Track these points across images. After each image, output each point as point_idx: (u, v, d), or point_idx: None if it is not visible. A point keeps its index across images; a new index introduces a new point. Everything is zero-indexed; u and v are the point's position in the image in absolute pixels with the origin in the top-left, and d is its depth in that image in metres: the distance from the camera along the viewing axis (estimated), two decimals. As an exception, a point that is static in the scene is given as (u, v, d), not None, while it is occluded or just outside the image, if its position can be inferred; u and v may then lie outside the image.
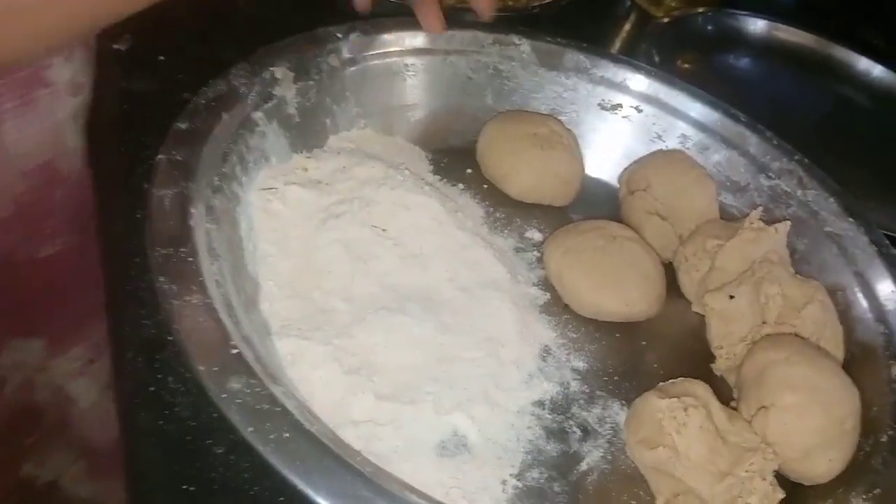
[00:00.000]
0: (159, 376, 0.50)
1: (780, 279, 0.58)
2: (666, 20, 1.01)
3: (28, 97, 0.57)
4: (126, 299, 0.56)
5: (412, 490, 0.42)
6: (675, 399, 0.49)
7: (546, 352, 0.58)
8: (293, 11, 0.80)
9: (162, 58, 0.76)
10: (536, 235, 0.68)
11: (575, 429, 0.53)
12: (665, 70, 0.77)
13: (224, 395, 0.40)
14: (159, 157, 0.53)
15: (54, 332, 0.67)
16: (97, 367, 0.69)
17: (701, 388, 0.51)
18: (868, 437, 0.51)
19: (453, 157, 0.73)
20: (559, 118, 0.74)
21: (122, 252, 0.59)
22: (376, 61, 0.71)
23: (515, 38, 0.76)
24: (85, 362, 0.69)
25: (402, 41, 0.72)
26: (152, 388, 0.50)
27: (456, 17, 0.74)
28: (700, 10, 1.03)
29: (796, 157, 0.69)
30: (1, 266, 0.61)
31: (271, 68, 0.63)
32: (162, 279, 0.45)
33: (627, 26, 1.09)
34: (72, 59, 0.60)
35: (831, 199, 0.66)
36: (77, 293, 0.66)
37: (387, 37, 0.71)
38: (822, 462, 0.49)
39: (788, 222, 0.63)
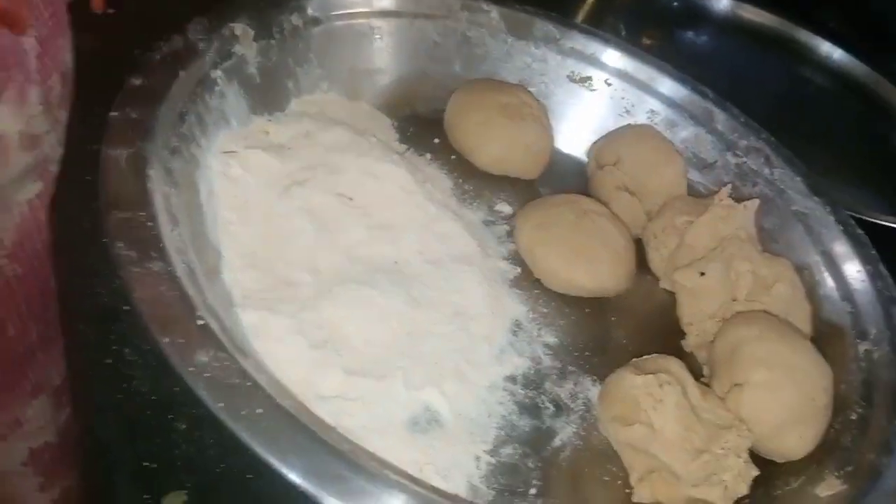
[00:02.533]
0: (115, 348, 0.47)
1: (750, 256, 0.58)
2: (630, -5, 1.01)
3: None
4: (75, 267, 0.53)
5: (389, 467, 0.40)
6: (650, 375, 0.48)
7: (517, 326, 0.57)
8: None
9: (111, 11, 0.71)
10: (506, 208, 0.66)
11: (547, 404, 0.53)
12: (630, 44, 0.77)
13: (191, 369, 0.38)
14: (112, 114, 0.49)
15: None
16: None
17: (675, 365, 0.51)
18: (838, 415, 0.52)
19: (420, 125, 0.71)
20: (529, 89, 0.73)
21: (69, 217, 0.55)
22: (341, 22, 0.67)
23: (484, 4, 0.73)
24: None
25: (367, 2, 0.69)
26: (108, 361, 0.47)
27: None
28: (664, -15, 1.02)
29: (763, 136, 0.69)
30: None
31: (231, 24, 0.59)
32: (119, 245, 0.42)
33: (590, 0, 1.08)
34: (23, 102, 0.47)
35: (798, 179, 0.66)
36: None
37: (352, -3, 0.68)
38: (794, 438, 0.49)
39: (757, 200, 0.63)
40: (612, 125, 0.73)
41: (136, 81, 0.51)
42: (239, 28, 0.59)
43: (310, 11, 0.64)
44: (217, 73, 0.57)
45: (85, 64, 0.63)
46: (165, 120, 0.51)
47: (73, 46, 0.56)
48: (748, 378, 0.50)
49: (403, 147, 0.68)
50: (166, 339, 0.39)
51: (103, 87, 0.54)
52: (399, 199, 0.62)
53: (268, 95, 0.62)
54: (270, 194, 0.58)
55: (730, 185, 0.64)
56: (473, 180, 0.68)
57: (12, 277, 0.49)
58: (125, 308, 0.50)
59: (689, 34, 1.01)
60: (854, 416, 0.51)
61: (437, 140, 0.70)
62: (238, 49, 0.59)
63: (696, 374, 0.55)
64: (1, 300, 0.50)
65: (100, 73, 0.59)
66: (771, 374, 0.49)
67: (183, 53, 0.55)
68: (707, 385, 0.53)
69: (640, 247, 0.65)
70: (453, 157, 0.69)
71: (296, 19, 0.63)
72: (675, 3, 1.00)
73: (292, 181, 0.59)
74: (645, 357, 0.52)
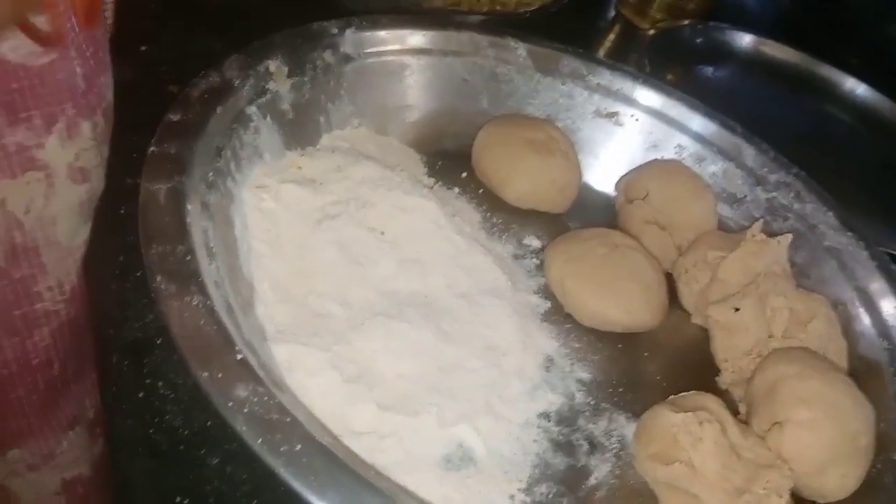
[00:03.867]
0: (147, 382, 0.47)
1: (785, 292, 0.57)
2: (652, 31, 1.01)
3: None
4: (110, 299, 0.53)
5: (428, 507, 0.40)
6: (689, 413, 0.48)
7: (549, 362, 0.57)
8: (277, 4, 0.77)
9: (144, 48, 0.73)
10: (535, 242, 0.66)
11: (582, 441, 0.52)
12: (656, 80, 0.77)
13: (230, 404, 0.37)
14: (151, 149, 0.50)
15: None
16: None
17: (713, 402, 0.50)
18: (879, 454, 0.50)
19: (448, 160, 0.71)
20: (556, 124, 0.73)
21: (104, 250, 0.55)
22: (372, 59, 0.68)
23: (512, 42, 0.74)
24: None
25: (399, 39, 0.70)
26: (140, 395, 0.46)
27: (452, 18, 0.72)
28: (685, 22, 1.03)
29: (793, 171, 0.69)
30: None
31: (266, 62, 0.60)
32: (158, 278, 0.42)
33: (612, 36, 1.09)
34: (73, 135, 0.49)
35: (829, 213, 0.66)
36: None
37: (383, 34, 0.69)
38: (836, 478, 0.48)
39: (790, 235, 0.63)
40: (639, 159, 0.73)
41: (175, 117, 0.52)
42: (274, 65, 0.60)
43: (343, 49, 0.65)
44: (252, 109, 0.58)
45: (121, 98, 0.64)
46: (202, 155, 0.51)
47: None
48: (789, 416, 0.49)
49: (432, 181, 0.69)
50: (205, 374, 0.38)
51: (138, 121, 0.55)
52: (428, 232, 0.62)
53: (300, 130, 0.63)
54: (303, 228, 0.58)
55: (762, 220, 0.64)
56: (502, 214, 0.68)
57: (66, 321, 0.49)
58: (158, 341, 0.50)
59: (713, 70, 1.02)
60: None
61: (464, 174, 0.71)
62: (272, 86, 0.60)
63: (732, 411, 0.55)
64: (54, 342, 0.50)
65: (135, 107, 0.61)
66: (812, 412, 0.49)
67: (219, 89, 0.56)
68: (745, 423, 0.52)
69: (670, 281, 0.64)
70: (481, 190, 0.70)
71: (329, 56, 0.64)
72: (699, 40, 1.00)
73: (324, 215, 0.59)
74: (682, 394, 0.51)
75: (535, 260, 0.64)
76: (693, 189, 0.68)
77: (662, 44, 0.96)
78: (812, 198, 0.67)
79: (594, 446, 0.52)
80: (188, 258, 0.44)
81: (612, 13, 1.12)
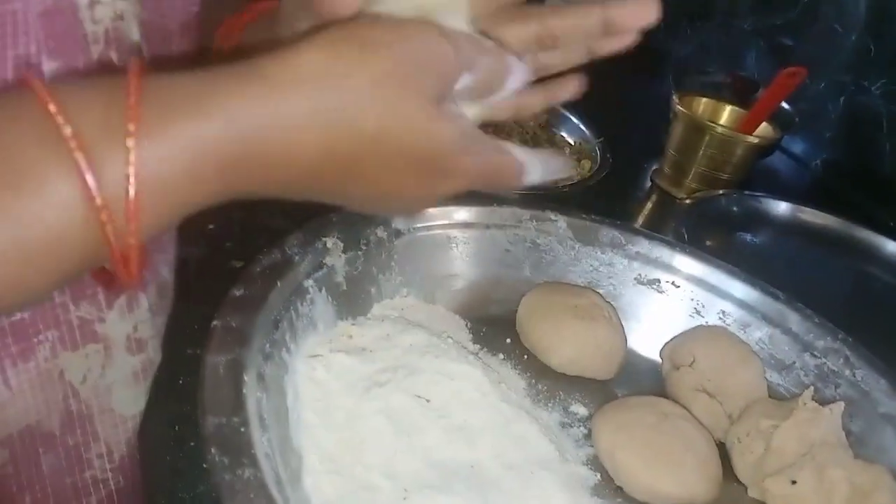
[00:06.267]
0: (197, 557, 0.47)
1: (843, 463, 0.55)
2: (688, 201, 1.05)
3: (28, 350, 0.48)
4: (161, 469, 0.54)
5: None
6: None
7: (601, 538, 0.55)
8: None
9: (211, 226, 0.79)
10: (581, 410, 0.66)
11: None
12: (695, 247, 0.79)
13: (279, 581, 0.37)
14: (215, 323, 0.52)
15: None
16: None
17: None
18: None
19: (493, 326, 0.73)
20: (597, 291, 0.75)
21: (159, 420, 0.57)
22: (421, 233, 0.73)
23: (551, 215, 0.78)
24: None
25: (446, 215, 0.74)
26: (188, 570, 0.46)
27: (495, 195, 0.77)
28: (721, 192, 1.07)
29: (840, 336, 0.69)
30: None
31: (323, 238, 0.64)
32: (213, 450, 0.44)
33: (650, 205, 1.14)
34: (132, 309, 0.53)
35: (881, 380, 0.65)
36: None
37: (432, 210, 0.73)
38: None
39: (842, 403, 0.61)
40: (683, 325, 0.73)
41: (238, 292, 0.55)
42: (331, 241, 0.64)
43: (394, 225, 0.70)
44: (309, 283, 0.61)
45: (187, 273, 0.69)
46: (262, 327, 0.54)
47: (178, 258, 0.62)
48: None
49: (477, 347, 0.70)
50: (256, 549, 0.39)
51: (202, 295, 0.58)
52: (475, 400, 0.63)
53: (353, 301, 0.66)
54: (352, 396, 0.60)
55: (812, 388, 0.63)
56: (547, 381, 0.69)
57: (115, 490, 0.50)
58: (210, 513, 0.51)
59: (751, 237, 1.04)
60: None
61: (509, 340, 0.72)
62: (328, 260, 0.64)
63: None
64: None
65: (201, 281, 0.65)
66: None
67: (280, 265, 0.59)
68: None
69: (722, 451, 0.63)
70: (526, 357, 0.71)
71: (381, 232, 0.69)
72: (735, 209, 1.04)
73: (372, 383, 0.61)
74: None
75: (582, 429, 0.64)
76: (740, 355, 0.68)
77: (699, 212, 0.99)
78: (861, 363, 0.66)
79: None
80: (242, 429, 0.45)
81: (649, 184, 1.18)
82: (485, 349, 0.70)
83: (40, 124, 0.31)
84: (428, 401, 0.61)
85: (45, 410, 0.50)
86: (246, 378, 0.49)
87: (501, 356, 0.70)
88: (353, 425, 0.58)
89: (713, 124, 1.12)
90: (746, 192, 1.08)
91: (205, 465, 0.43)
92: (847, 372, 0.66)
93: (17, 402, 0.48)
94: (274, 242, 0.61)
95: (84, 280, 0.49)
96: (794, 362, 0.70)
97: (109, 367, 0.53)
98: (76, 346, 0.50)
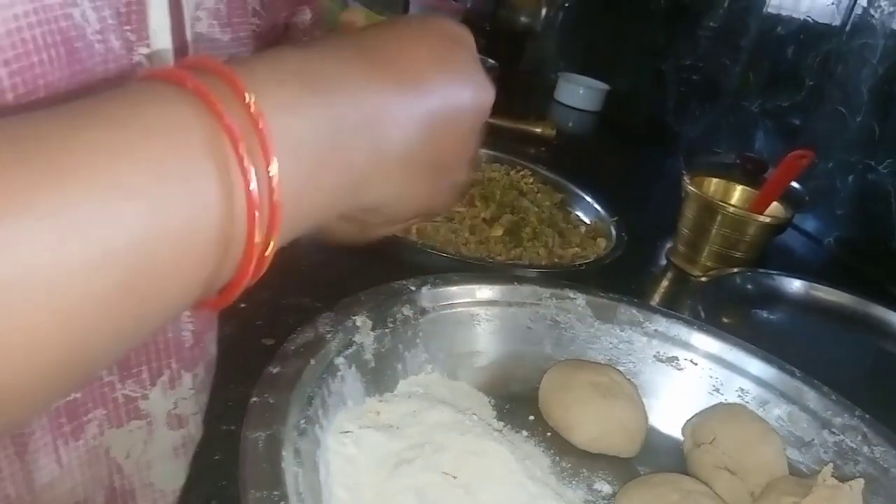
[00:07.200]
0: None
1: (867, 542, 0.56)
2: (704, 279, 1.08)
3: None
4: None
5: None
6: None
7: None
8: (361, 264, 0.87)
9: (242, 305, 0.82)
10: (605, 487, 0.67)
11: None
12: (711, 325, 0.81)
13: None
14: (253, 399, 0.55)
15: None
16: None
17: None
18: None
19: (516, 403, 0.75)
20: (618, 368, 0.77)
21: (198, 494, 0.59)
22: (446, 311, 0.75)
23: (570, 293, 0.81)
24: None
25: (469, 293, 0.77)
26: None
27: (515, 273, 0.80)
28: (735, 269, 1.10)
29: (857, 413, 0.70)
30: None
31: (353, 317, 0.67)
32: (254, 525, 0.45)
33: (665, 283, 1.16)
34: (174, 386, 0.55)
35: (901, 457, 0.65)
36: None
37: (455, 289, 0.76)
38: None
39: (861, 480, 0.62)
40: (703, 402, 0.75)
41: (274, 369, 0.58)
42: (360, 320, 0.67)
43: (420, 303, 0.72)
44: (340, 360, 0.64)
45: (221, 351, 0.72)
46: (297, 404, 0.56)
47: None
48: None
49: (501, 424, 0.72)
50: None
51: (234, 372, 0.61)
52: (500, 476, 0.64)
53: (380, 377, 0.68)
54: (381, 473, 0.61)
55: (831, 465, 0.64)
56: (570, 458, 0.70)
57: None
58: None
59: (766, 314, 1.06)
60: None
61: (532, 417, 0.74)
62: (357, 338, 0.66)
63: None
64: None
65: (232, 359, 0.68)
66: None
67: (313, 343, 0.62)
68: None
69: (746, 529, 0.64)
70: (549, 434, 0.72)
71: (407, 310, 0.72)
72: (749, 286, 1.06)
73: (400, 459, 0.62)
74: None
75: (606, 506, 0.65)
76: (761, 433, 0.69)
77: (715, 290, 1.02)
78: (880, 440, 0.67)
79: None
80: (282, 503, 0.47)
81: (664, 262, 1.20)
82: (509, 426, 0.72)
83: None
84: (455, 477, 0.63)
85: (92, 487, 0.52)
86: (284, 453, 0.51)
87: (525, 433, 0.72)
88: (383, 502, 0.60)
89: (724, 204, 1.15)
90: (761, 270, 1.10)
91: (244, 540, 0.45)
92: (865, 449, 0.67)
93: (65, 481, 0.50)
94: (302, 320, 0.64)
95: (130, 358, 0.52)
96: (813, 439, 0.71)
97: (150, 443, 0.56)
98: (121, 423, 0.53)
